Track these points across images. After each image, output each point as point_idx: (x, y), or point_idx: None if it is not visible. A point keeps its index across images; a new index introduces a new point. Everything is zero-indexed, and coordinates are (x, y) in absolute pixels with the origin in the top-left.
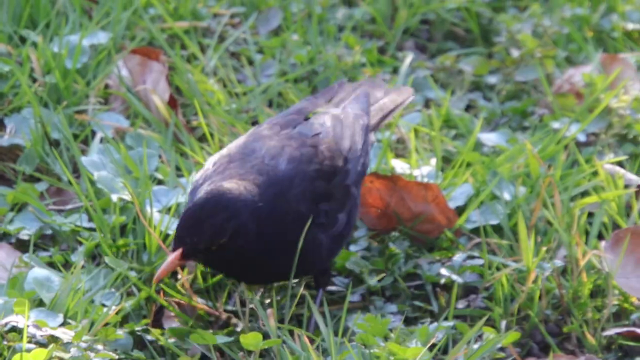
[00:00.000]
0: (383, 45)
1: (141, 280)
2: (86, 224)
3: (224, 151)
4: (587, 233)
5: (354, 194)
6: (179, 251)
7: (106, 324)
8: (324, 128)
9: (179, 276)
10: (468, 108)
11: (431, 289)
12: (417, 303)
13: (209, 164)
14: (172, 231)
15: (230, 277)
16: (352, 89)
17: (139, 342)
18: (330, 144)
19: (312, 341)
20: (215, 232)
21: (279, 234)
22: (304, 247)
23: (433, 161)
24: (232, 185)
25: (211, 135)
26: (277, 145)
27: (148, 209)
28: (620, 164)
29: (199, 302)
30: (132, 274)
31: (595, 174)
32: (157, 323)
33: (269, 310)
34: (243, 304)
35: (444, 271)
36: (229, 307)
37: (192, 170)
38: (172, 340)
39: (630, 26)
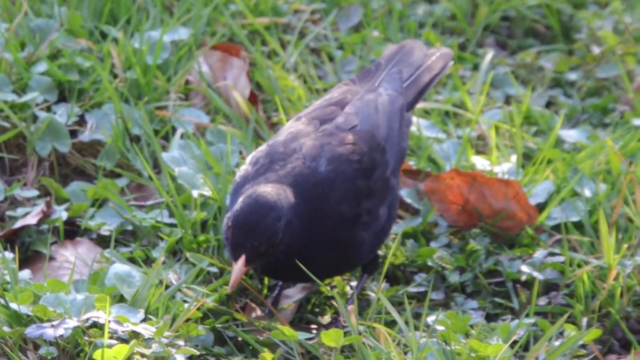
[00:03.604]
0: (463, 42)
1: (222, 277)
2: (167, 220)
3: (263, 148)
4: None
5: (393, 184)
6: (242, 258)
7: (187, 320)
8: (361, 117)
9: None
10: (548, 105)
11: (512, 286)
12: (497, 300)
13: (249, 163)
14: None
15: (279, 279)
16: (387, 61)
17: (220, 338)
18: (367, 137)
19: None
20: (271, 232)
21: (323, 234)
22: (347, 248)
23: (514, 158)
24: (270, 188)
25: None
26: (317, 144)
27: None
28: None
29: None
30: (213, 269)
31: None
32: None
33: (350, 307)
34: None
35: (524, 268)
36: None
37: None
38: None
39: None
